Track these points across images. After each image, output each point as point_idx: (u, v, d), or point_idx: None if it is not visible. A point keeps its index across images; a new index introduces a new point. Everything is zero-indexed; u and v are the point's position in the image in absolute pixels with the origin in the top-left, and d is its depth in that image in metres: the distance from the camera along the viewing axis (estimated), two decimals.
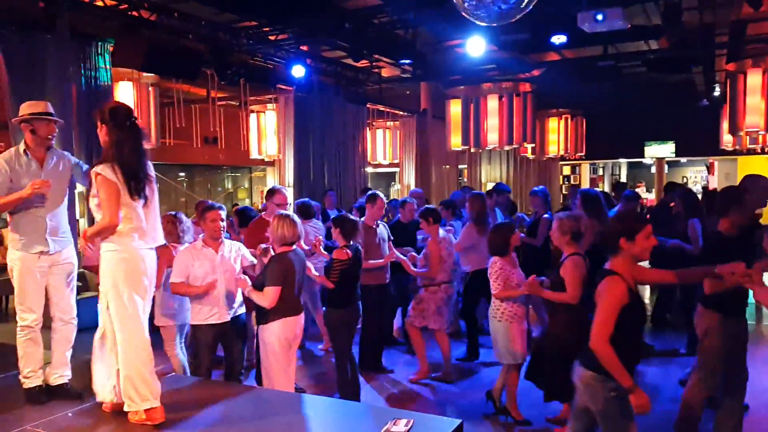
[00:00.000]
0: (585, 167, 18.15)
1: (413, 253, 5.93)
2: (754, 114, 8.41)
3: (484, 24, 4.59)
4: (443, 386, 5.61)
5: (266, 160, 11.54)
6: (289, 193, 9.26)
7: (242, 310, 4.50)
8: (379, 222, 5.77)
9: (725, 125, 10.75)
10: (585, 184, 17.40)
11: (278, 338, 4.07)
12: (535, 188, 7.21)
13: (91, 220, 3.87)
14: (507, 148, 10.76)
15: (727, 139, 11.85)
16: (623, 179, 19.20)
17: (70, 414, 3.63)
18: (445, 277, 5.61)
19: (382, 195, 5.86)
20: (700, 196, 7.84)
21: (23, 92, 5.74)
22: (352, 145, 11.05)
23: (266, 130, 10.57)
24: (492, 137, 9.99)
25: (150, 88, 7.96)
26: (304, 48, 9.52)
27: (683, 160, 18.28)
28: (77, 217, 6.75)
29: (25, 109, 3.80)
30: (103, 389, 3.54)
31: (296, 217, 4.24)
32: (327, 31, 7.97)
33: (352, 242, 4.81)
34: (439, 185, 13.60)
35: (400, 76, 11.70)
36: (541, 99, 11.84)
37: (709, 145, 13.31)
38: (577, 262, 4.14)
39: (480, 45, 7.97)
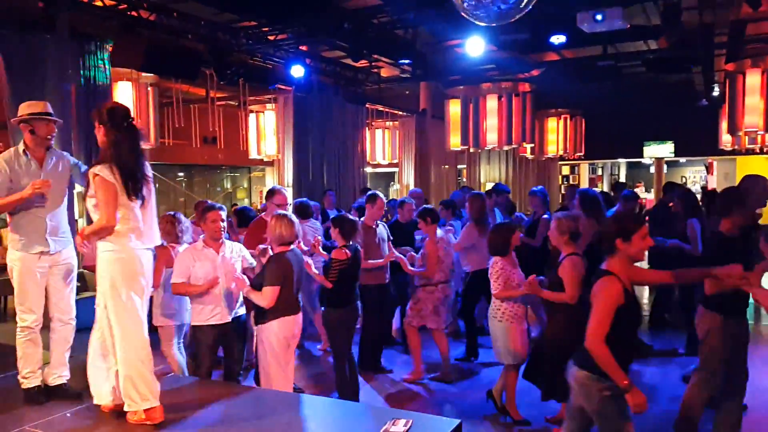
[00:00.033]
0: (584, 167, 18.18)
1: (412, 253, 5.93)
2: (753, 114, 8.41)
3: (483, 24, 4.59)
4: (442, 386, 5.61)
5: (265, 160, 11.55)
6: (289, 193, 9.23)
7: (242, 310, 4.49)
8: (378, 222, 5.78)
9: (724, 125, 10.75)
10: (584, 184, 17.41)
11: (277, 337, 4.07)
12: (534, 188, 7.23)
13: (89, 220, 3.87)
14: (506, 148, 10.76)
15: (726, 139, 11.84)
16: (622, 179, 19.22)
17: (68, 414, 3.63)
18: (442, 277, 5.61)
19: (381, 195, 5.87)
20: (699, 196, 7.85)
21: (22, 92, 5.74)
22: (352, 145, 11.03)
23: (265, 130, 10.59)
24: (491, 137, 9.99)
25: (149, 88, 7.97)
26: (304, 48, 9.51)
27: (682, 160, 18.30)
28: (76, 217, 6.75)
29: (25, 109, 3.79)
30: (101, 391, 3.54)
31: (294, 217, 4.24)
32: (326, 31, 7.96)
33: (351, 242, 4.82)
34: (438, 185, 13.59)
35: (400, 76, 11.68)
36: (541, 99, 11.81)
37: (708, 145, 13.29)
38: (575, 262, 4.15)
39: (479, 45, 7.97)
